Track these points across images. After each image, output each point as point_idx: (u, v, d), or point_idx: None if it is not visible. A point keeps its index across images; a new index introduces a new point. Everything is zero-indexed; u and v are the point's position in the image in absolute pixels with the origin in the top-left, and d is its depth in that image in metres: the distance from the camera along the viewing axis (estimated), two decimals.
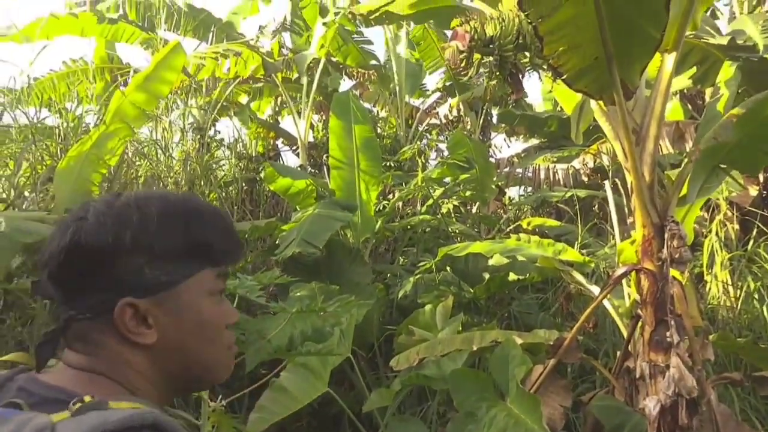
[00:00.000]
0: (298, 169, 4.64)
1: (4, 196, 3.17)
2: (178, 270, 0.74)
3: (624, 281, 2.43)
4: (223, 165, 4.93)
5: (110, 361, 0.71)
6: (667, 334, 2.06)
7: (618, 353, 2.37)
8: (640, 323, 2.16)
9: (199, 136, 4.51)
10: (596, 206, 5.81)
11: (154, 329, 0.72)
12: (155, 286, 0.73)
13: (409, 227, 3.89)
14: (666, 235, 2.12)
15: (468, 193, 3.54)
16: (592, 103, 2.28)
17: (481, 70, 2.31)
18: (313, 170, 5.17)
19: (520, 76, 2.38)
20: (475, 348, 2.25)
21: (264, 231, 3.59)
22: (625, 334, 2.30)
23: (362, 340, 3.02)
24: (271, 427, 3.01)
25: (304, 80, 5.68)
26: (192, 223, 0.76)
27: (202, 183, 4.07)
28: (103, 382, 0.70)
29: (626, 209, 3.00)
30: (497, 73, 2.31)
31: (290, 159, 6.12)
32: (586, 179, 5.61)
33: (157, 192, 0.82)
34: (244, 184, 4.81)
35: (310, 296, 3.15)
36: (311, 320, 2.92)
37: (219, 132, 4.66)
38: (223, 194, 4.36)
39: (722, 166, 2.53)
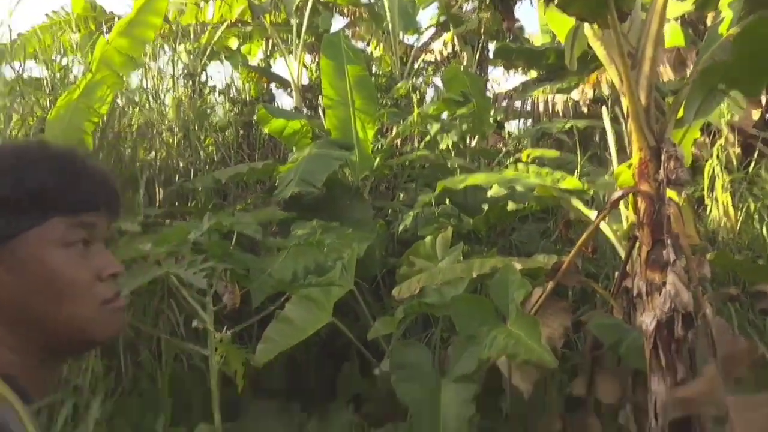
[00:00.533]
0: (293, 111, 4.60)
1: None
2: (14, 221, 0.68)
3: (622, 205, 2.46)
4: (217, 110, 4.89)
5: None
6: (664, 253, 2.09)
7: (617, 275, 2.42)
8: (637, 244, 2.19)
9: (190, 82, 4.46)
10: (597, 137, 5.79)
11: None
12: None
13: (407, 164, 3.90)
14: (663, 157, 2.13)
15: (465, 127, 3.52)
16: (586, 27, 2.24)
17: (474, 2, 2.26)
18: (308, 112, 5.13)
19: (512, 3, 2.33)
20: (475, 275, 2.30)
21: (262, 173, 3.60)
22: (624, 257, 2.34)
23: (365, 274, 3.07)
24: (281, 358, 3.12)
25: (294, 21, 5.55)
26: (24, 170, 0.70)
27: (197, 128, 4.05)
28: None
29: (626, 138, 2.99)
30: (488, 2, 2.26)
31: (285, 102, 6.07)
32: (585, 110, 5.56)
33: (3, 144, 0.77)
34: (239, 129, 4.78)
35: (311, 233, 3.19)
36: (313, 255, 2.98)
37: (211, 78, 4.59)
38: (219, 139, 4.35)
39: (721, 86, 2.51)
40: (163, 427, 2.27)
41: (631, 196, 2.16)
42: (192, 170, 3.83)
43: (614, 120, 3.21)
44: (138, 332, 2.47)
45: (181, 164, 3.97)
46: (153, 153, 3.80)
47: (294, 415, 2.66)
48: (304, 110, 4.99)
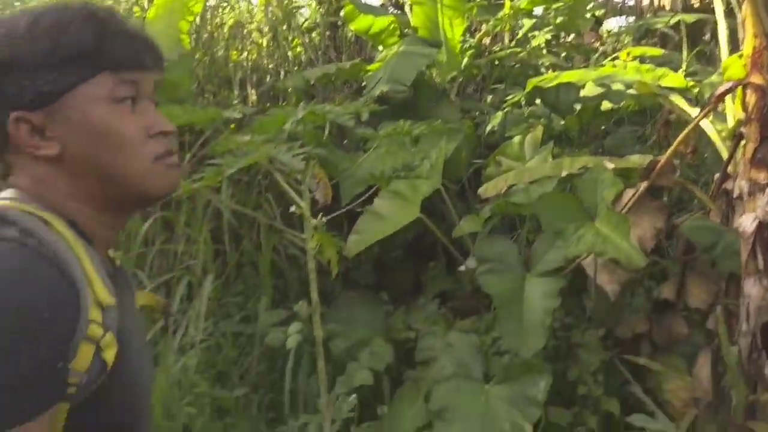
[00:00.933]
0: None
1: None
2: (61, 78, 0.72)
3: (728, 101, 2.32)
4: (304, 11, 4.88)
5: (24, 176, 0.73)
6: None
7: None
8: (742, 142, 2.09)
9: None
10: (707, 34, 5.32)
11: (54, 141, 0.72)
12: (40, 97, 0.71)
13: (496, 63, 3.79)
14: None
15: (559, 20, 3.35)
16: None
17: None
18: (395, 11, 5.02)
19: None
20: (564, 174, 2.29)
21: (349, 74, 3.63)
22: (726, 157, 2.24)
23: (452, 176, 3.12)
24: (370, 256, 3.29)
25: None
26: (70, 27, 0.72)
27: (285, 29, 4.09)
28: (13, 192, 0.72)
29: (740, 32, 2.76)
30: None
31: (372, 1, 5.93)
32: (696, 2, 5.09)
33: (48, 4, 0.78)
34: (326, 30, 4.78)
35: (398, 134, 3.25)
36: (401, 155, 3.04)
37: None
38: (306, 40, 4.38)
39: None
40: (265, 308, 2.51)
41: (740, 89, 2.04)
42: (281, 72, 3.93)
43: (728, 14, 2.94)
44: (240, 222, 2.68)
45: (270, 65, 4.07)
46: (244, 54, 3.91)
47: (381, 305, 2.84)
48: (390, 9, 4.88)
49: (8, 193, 0.72)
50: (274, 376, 2.33)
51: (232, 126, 3.02)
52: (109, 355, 0.67)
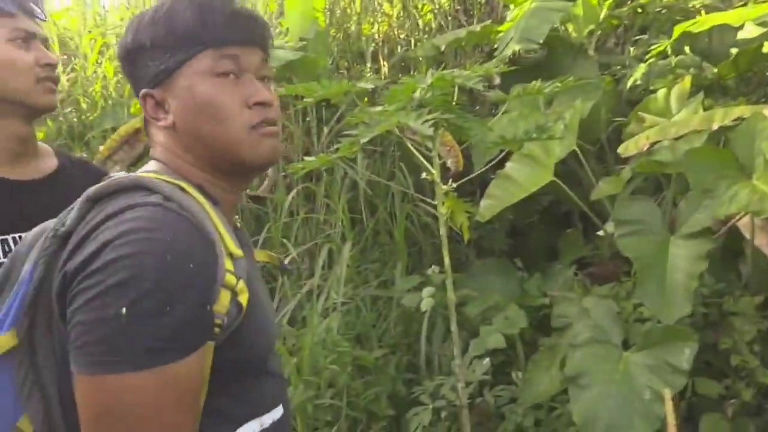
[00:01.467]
0: None
1: None
2: (171, 57, 0.83)
3: None
4: None
5: (157, 146, 0.87)
6: None
7: None
8: None
9: None
10: None
11: (170, 114, 0.84)
12: (158, 75, 0.84)
13: (639, 11, 3.53)
14: None
15: None
16: None
17: None
18: None
19: None
20: (715, 127, 2.11)
21: (480, 37, 3.59)
22: None
23: (589, 137, 3.00)
24: (503, 222, 3.28)
25: None
26: (180, 12, 0.83)
27: None
28: (154, 164, 0.86)
29: None
30: None
31: None
32: None
33: None
34: None
35: (531, 97, 3.17)
36: (534, 117, 2.98)
37: None
38: (436, 7, 4.38)
39: None
40: (400, 274, 2.62)
41: None
42: (411, 41, 3.98)
43: None
44: (375, 192, 2.81)
45: (401, 35, 4.14)
46: (375, 26, 4.01)
47: (516, 272, 2.83)
48: None
49: (150, 165, 0.86)
50: (410, 339, 2.45)
51: (366, 99, 3.15)
52: (243, 299, 0.77)
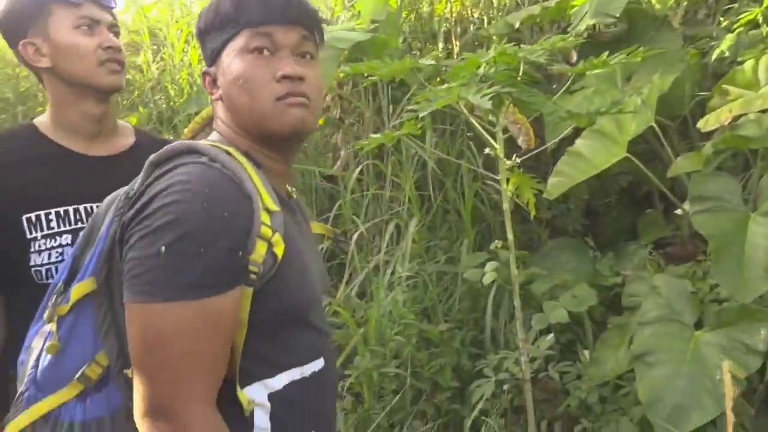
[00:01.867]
0: None
1: (324, 17, 3.75)
2: (218, 39, 0.96)
3: None
4: None
5: (217, 119, 1.00)
6: None
7: None
8: None
9: None
10: None
11: (220, 88, 0.97)
12: (211, 55, 0.98)
13: None
14: None
15: None
16: None
17: None
18: None
19: None
20: None
21: (555, 12, 3.50)
22: None
23: (671, 112, 2.89)
24: (578, 202, 3.22)
25: None
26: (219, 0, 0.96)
27: None
28: (214, 135, 0.99)
29: None
30: None
31: None
32: None
33: None
34: None
35: (608, 72, 3.09)
36: (611, 93, 2.91)
37: None
38: None
39: None
40: (467, 251, 2.65)
41: None
42: (485, 19, 3.95)
43: None
44: (444, 170, 2.85)
45: (475, 14, 4.11)
46: (448, 6, 4.01)
47: (588, 251, 2.79)
48: None
49: (211, 135, 1.00)
50: (476, 315, 2.48)
51: (438, 79, 3.18)
52: (279, 250, 0.87)
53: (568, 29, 3.20)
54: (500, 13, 4.05)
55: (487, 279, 2.15)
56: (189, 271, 0.80)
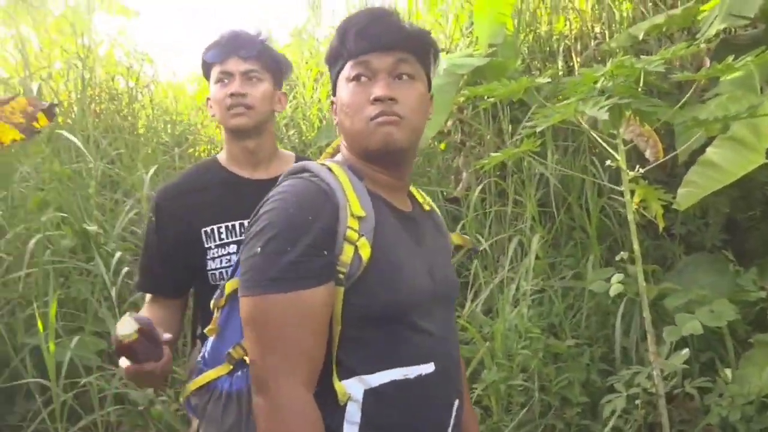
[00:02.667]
0: None
1: (443, 46, 3.93)
2: (333, 71, 1.12)
3: None
4: None
5: (340, 141, 1.15)
6: None
7: None
8: None
9: None
10: None
11: (338, 114, 1.11)
12: (333, 86, 1.13)
13: None
14: None
15: None
16: None
17: None
18: None
19: None
20: None
21: (682, 20, 3.43)
22: None
23: None
24: (718, 216, 3.09)
25: None
26: (335, 35, 1.11)
27: None
28: (339, 155, 1.14)
29: None
30: None
31: None
32: None
33: None
34: None
35: (745, 77, 2.96)
36: (747, 99, 2.79)
37: None
38: None
39: None
40: (593, 266, 2.65)
41: None
42: (606, 33, 3.93)
43: None
44: (568, 187, 2.88)
45: (596, 29, 4.10)
46: (568, 24, 4.04)
47: (728, 267, 2.66)
48: None
49: (337, 156, 1.15)
50: (606, 332, 2.47)
51: (559, 97, 3.22)
52: (364, 253, 0.98)
53: (698, 35, 3.11)
54: (623, 26, 4.01)
55: (613, 291, 2.14)
56: (276, 266, 0.95)
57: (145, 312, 1.50)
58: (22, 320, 2.60)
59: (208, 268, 1.49)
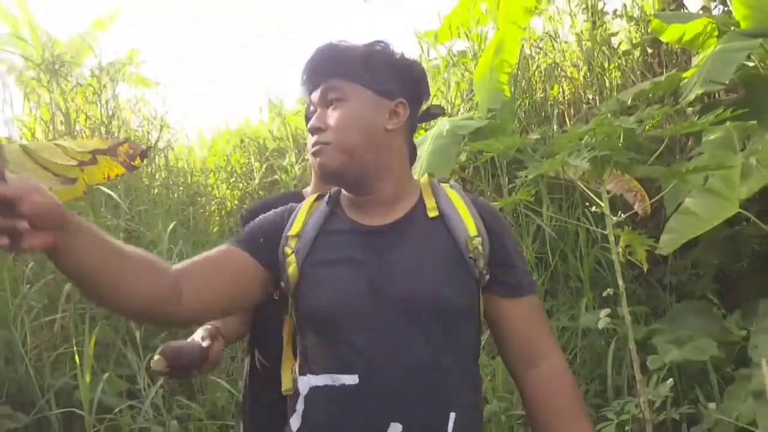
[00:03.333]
0: (699, 11, 4.52)
1: (447, 110, 4.31)
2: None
3: None
4: (622, 34, 5.13)
5: None
6: None
7: None
8: None
9: (590, 13, 4.87)
10: None
11: None
12: None
13: None
14: None
15: None
16: None
17: None
18: (722, 8, 4.89)
19: None
20: None
21: (666, 86, 3.79)
22: None
23: None
24: (709, 267, 3.32)
25: None
26: None
27: (599, 57, 4.47)
28: None
29: None
30: None
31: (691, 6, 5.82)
32: None
33: None
34: (646, 48, 4.93)
35: (725, 137, 3.28)
36: (726, 157, 3.09)
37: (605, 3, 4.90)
38: (624, 63, 4.65)
39: None
40: (585, 308, 2.89)
41: None
42: (597, 99, 4.31)
43: None
44: (563, 236, 3.15)
45: (588, 95, 4.49)
46: (561, 90, 4.43)
47: (717, 313, 2.88)
48: (714, 7, 4.78)
49: None
50: (600, 371, 2.68)
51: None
52: (290, 268, 1.13)
53: (680, 100, 3.45)
54: (613, 93, 4.39)
55: (601, 324, 2.37)
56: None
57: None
58: (49, 362, 2.83)
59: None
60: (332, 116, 1.13)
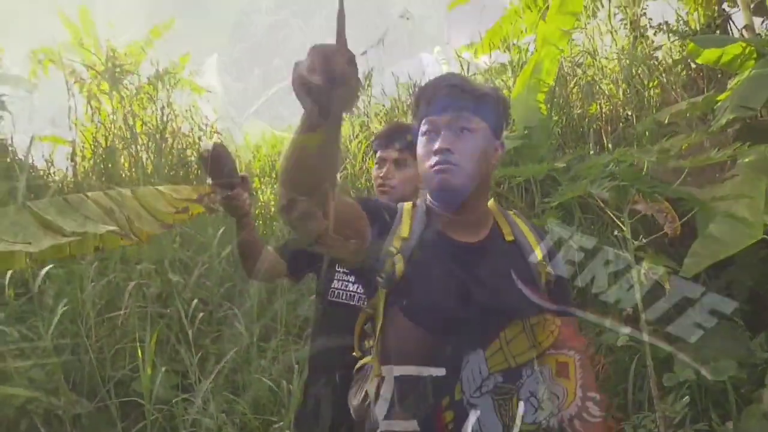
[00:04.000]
0: (741, 31, 4.58)
1: None
2: (416, 127, 1.41)
3: None
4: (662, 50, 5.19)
5: None
6: None
7: None
8: None
9: (631, 28, 4.95)
10: None
11: None
12: (414, 138, 1.44)
13: None
14: None
15: None
16: None
17: None
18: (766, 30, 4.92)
19: None
20: None
21: (702, 107, 3.89)
22: None
23: None
24: (741, 288, 3.41)
25: None
26: (414, 99, 1.43)
27: (639, 74, 4.57)
28: None
29: None
30: None
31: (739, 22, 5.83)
32: None
33: None
34: (690, 63, 4.97)
35: (761, 161, 3.37)
36: (763, 183, 3.18)
37: (648, 17, 4.99)
38: (664, 79, 4.73)
39: None
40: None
41: None
42: (635, 117, 4.41)
43: None
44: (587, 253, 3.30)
45: (629, 112, 4.58)
46: (599, 107, 4.55)
47: (744, 333, 2.99)
48: (757, 28, 4.81)
49: None
50: (624, 386, 2.83)
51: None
52: (398, 267, 1.26)
53: (712, 123, 3.55)
54: (651, 110, 4.48)
55: (620, 341, 2.53)
56: None
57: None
58: (109, 356, 3.14)
59: (332, 287, 1.91)
60: (462, 144, 1.30)
